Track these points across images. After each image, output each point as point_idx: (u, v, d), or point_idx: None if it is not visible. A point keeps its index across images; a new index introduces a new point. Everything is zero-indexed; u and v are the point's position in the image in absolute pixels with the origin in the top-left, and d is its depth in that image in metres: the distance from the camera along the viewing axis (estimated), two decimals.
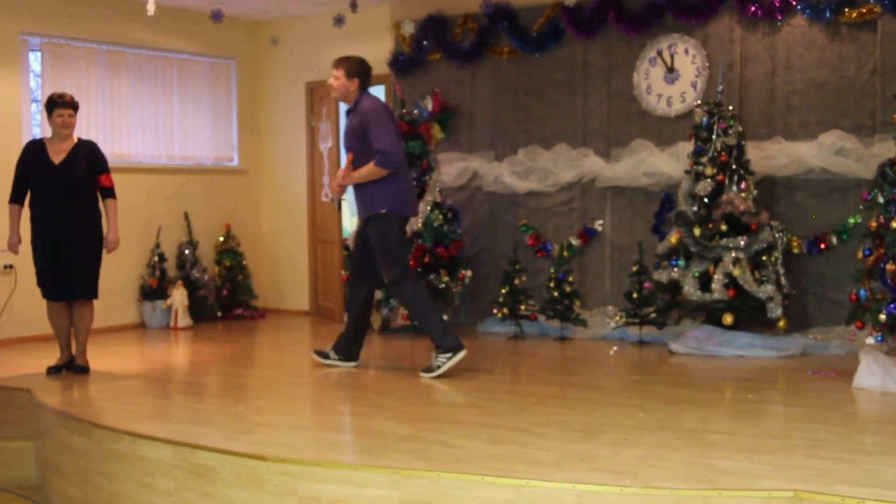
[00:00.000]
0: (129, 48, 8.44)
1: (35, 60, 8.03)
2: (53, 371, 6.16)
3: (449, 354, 5.90)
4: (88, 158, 6.09)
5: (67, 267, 6.02)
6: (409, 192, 6.22)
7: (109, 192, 6.17)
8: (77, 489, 4.78)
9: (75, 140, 6.14)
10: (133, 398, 5.62)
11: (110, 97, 8.31)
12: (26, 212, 6.13)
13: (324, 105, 9.01)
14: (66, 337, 6.22)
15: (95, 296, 6.17)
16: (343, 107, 8.97)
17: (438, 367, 5.88)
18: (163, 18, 7.91)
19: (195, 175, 8.97)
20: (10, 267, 7.39)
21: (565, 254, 7.79)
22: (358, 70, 6.11)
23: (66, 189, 6.00)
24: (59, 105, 6.06)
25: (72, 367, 6.17)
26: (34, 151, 6.10)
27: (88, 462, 4.67)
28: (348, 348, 6.28)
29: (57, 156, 6.04)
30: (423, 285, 6.31)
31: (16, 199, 6.13)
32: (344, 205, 9.03)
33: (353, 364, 6.29)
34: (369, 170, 5.97)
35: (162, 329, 8.44)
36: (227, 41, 9.18)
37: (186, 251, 8.74)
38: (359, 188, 6.08)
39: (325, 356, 6.31)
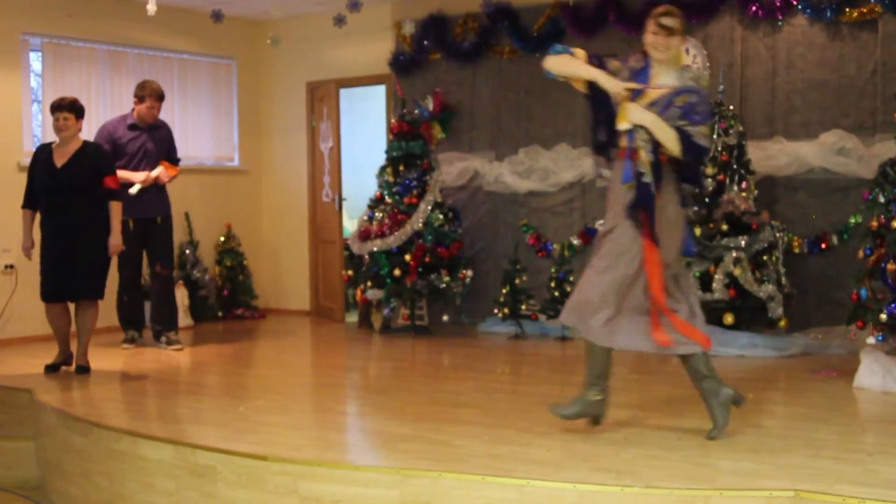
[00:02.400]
0: (129, 48, 8.44)
1: (36, 60, 8.04)
2: (51, 369, 6.19)
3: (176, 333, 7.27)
4: (91, 160, 6.12)
5: (72, 267, 6.04)
6: None
7: (113, 195, 6.19)
8: (78, 489, 4.78)
9: (81, 142, 6.18)
10: (134, 398, 5.62)
11: (111, 97, 8.31)
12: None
13: (324, 105, 9.00)
14: (64, 337, 6.25)
15: (101, 296, 6.19)
16: (345, 107, 9.00)
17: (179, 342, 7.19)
18: (163, 18, 7.89)
19: (196, 175, 8.95)
20: (11, 267, 7.39)
21: (566, 253, 7.79)
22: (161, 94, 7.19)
23: (67, 191, 6.04)
24: (55, 109, 6.14)
25: (77, 368, 6.18)
26: (41, 156, 6.18)
27: (89, 462, 4.67)
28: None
29: (61, 159, 6.09)
30: None
31: (28, 204, 6.21)
32: (345, 205, 9.06)
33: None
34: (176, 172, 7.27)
35: None
36: (228, 41, 9.18)
37: (187, 251, 8.73)
38: (153, 190, 7.06)
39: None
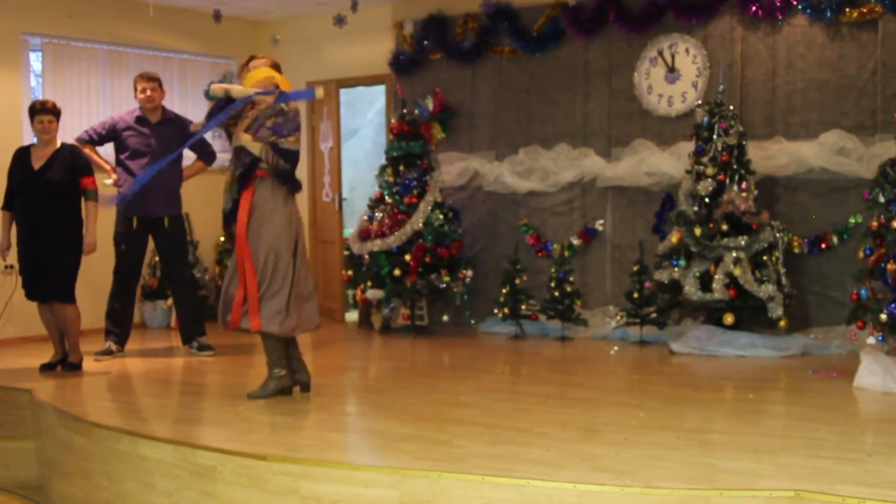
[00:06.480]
0: (129, 48, 8.44)
1: (36, 60, 8.04)
2: (47, 368, 6.24)
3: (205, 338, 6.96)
4: (67, 162, 6.17)
5: (42, 269, 6.11)
6: None
7: (91, 195, 6.23)
8: (78, 489, 4.78)
9: (58, 145, 6.23)
10: (133, 398, 5.63)
11: (111, 97, 8.31)
12: None
13: (324, 105, 9.00)
14: (56, 335, 6.30)
15: (69, 299, 6.20)
16: (345, 107, 9.00)
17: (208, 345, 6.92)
18: (163, 18, 7.90)
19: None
20: (11, 267, 7.37)
21: (566, 253, 7.79)
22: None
23: (43, 193, 6.09)
24: (39, 112, 6.15)
25: (64, 365, 6.24)
26: (18, 158, 6.25)
27: (89, 462, 4.67)
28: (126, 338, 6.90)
29: (38, 161, 6.16)
30: None
31: (7, 205, 6.29)
32: (345, 204, 9.05)
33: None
34: (200, 167, 7.20)
35: (163, 329, 8.44)
36: (227, 41, 9.17)
37: None
38: (162, 187, 6.69)
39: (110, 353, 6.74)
